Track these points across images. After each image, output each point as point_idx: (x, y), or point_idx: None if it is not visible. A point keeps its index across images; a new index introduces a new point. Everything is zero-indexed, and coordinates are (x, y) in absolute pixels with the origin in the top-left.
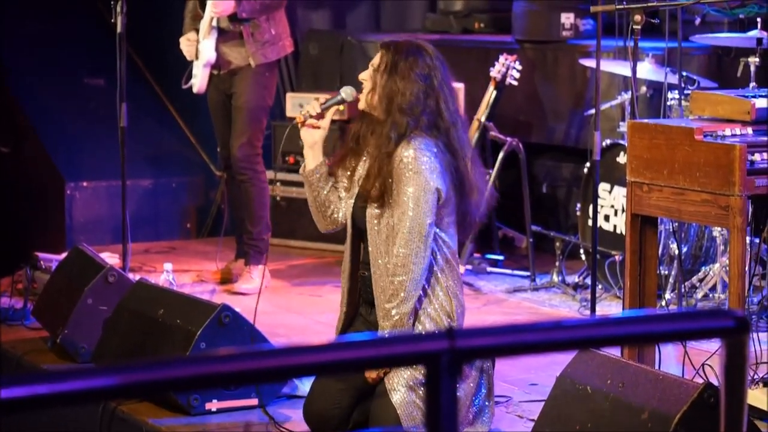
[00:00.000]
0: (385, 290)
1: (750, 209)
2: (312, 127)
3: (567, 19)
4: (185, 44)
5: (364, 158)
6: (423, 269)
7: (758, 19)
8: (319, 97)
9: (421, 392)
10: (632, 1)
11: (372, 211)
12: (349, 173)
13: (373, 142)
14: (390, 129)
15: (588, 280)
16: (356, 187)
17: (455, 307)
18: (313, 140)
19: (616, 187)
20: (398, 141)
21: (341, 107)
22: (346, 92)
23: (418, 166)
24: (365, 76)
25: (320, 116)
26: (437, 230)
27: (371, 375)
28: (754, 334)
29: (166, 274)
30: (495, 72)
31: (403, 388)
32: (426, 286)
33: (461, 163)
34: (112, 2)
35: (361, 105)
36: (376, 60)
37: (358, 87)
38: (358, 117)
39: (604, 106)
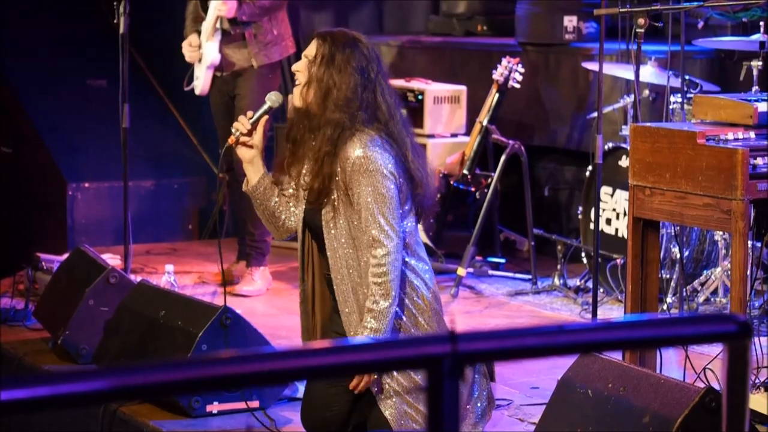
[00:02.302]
0: (347, 297)
1: (752, 213)
2: (245, 145)
3: (570, 22)
4: (187, 49)
5: (307, 166)
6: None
7: (761, 23)
8: (248, 113)
9: (409, 398)
10: (635, 5)
11: (326, 214)
12: (292, 177)
13: (311, 142)
14: (325, 125)
15: (589, 284)
16: (302, 190)
17: (428, 299)
18: (250, 156)
19: (618, 191)
20: (337, 139)
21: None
22: (272, 99)
23: (373, 163)
24: (300, 67)
25: (251, 132)
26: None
27: (356, 384)
28: (756, 339)
29: (167, 276)
30: (497, 75)
31: (392, 395)
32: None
33: (403, 154)
34: (114, 3)
35: (297, 102)
36: (311, 51)
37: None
38: (291, 117)
39: (607, 110)
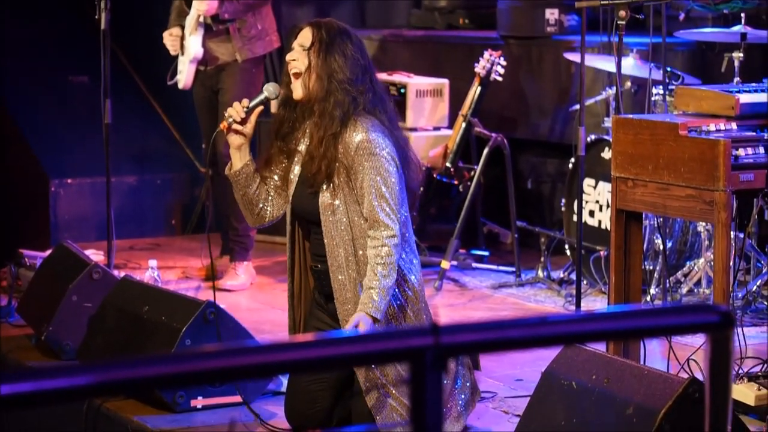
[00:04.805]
0: (343, 286)
1: (734, 204)
2: (237, 132)
3: (551, 14)
4: (168, 40)
5: (297, 157)
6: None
7: (742, 15)
8: (243, 101)
9: (394, 391)
10: None
11: (324, 200)
12: (280, 171)
13: (314, 124)
14: (333, 107)
15: (573, 276)
16: (292, 183)
17: (417, 291)
18: (239, 143)
19: (600, 183)
20: (343, 120)
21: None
22: (269, 90)
23: (376, 147)
24: (295, 56)
25: (245, 120)
26: None
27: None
28: (739, 329)
29: (150, 271)
30: (480, 68)
31: (376, 388)
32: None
33: (399, 139)
34: None
35: (300, 93)
36: (305, 39)
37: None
38: (281, 114)
39: (589, 102)
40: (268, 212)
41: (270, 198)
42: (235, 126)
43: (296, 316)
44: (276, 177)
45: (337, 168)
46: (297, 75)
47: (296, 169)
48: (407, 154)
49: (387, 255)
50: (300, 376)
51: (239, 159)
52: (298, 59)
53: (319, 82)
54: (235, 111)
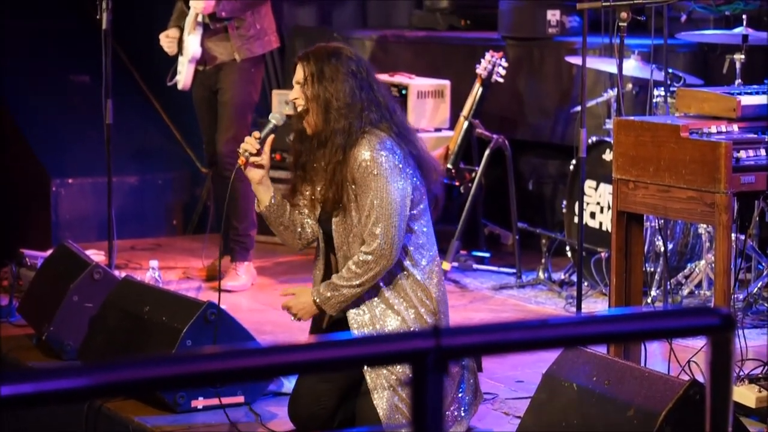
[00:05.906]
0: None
1: (735, 206)
2: (255, 165)
3: (553, 15)
4: (165, 41)
5: (319, 178)
6: (388, 266)
7: (744, 16)
8: (254, 133)
9: (401, 392)
10: None
11: (338, 219)
12: (308, 194)
13: (323, 154)
14: (334, 135)
15: (574, 277)
16: (318, 202)
17: (436, 299)
18: (260, 176)
19: (602, 185)
20: (347, 145)
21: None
22: (276, 117)
23: (378, 167)
24: (296, 94)
25: (260, 151)
26: (408, 223)
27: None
28: (740, 331)
29: (151, 271)
30: (481, 69)
31: (384, 388)
32: (397, 274)
33: (413, 146)
34: None
35: (308, 131)
36: (299, 75)
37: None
38: (297, 147)
39: (590, 103)
40: (309, 232)
41: (305, 219)
42: (253, 159)
43: (319, 324)
44: (303, 201)
45: (347, 187)
46: (305, 112)
47: (319, 189)
48: (423, 161)
49: (354, 264)
50: (308, 376)
51: (264, 192)
52: (298, 97)
53: (318, 115)
54: (250, 144)
